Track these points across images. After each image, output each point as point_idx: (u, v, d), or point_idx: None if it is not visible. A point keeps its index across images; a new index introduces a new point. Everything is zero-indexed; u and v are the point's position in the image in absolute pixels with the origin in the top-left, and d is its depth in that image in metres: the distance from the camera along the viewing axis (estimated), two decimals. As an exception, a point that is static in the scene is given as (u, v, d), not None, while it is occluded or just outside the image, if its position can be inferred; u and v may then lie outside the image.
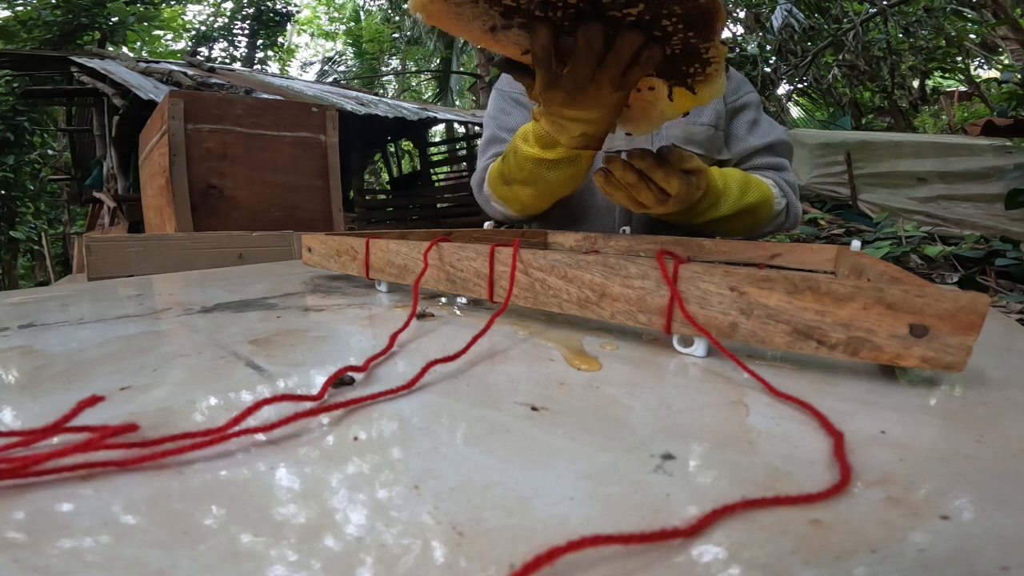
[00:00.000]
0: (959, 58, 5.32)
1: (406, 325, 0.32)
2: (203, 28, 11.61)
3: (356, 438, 0.19)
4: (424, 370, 0.25)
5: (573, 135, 0.54)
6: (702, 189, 0.60)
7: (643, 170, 0.54)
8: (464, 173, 6.06)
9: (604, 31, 0.40)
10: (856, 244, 0.51)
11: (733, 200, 0.69)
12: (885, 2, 4.47)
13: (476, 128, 5.80)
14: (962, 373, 0.22)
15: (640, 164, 0.54)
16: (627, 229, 0.76)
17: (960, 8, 4.47)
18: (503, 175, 0.74)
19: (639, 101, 0.49)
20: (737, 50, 4.47)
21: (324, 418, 0.20)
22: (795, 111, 6.36)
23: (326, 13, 16.32)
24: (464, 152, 6.33)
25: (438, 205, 5.46)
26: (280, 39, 12.25)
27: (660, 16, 0.37)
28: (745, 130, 0.83)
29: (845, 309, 0.23)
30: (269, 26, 11.60)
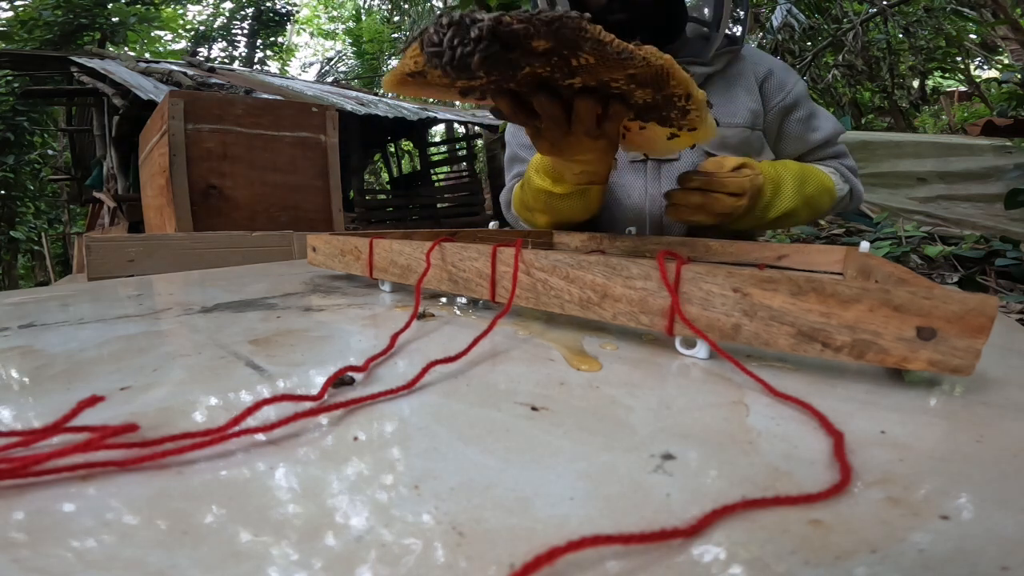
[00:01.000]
0: (959, 58, 5.32)
1: (407, 325, 0.32)
2: (203, 28, 11.61)
3: (356, 438, 0.19)
4: (424, 370, 0.25)
5: (574, 172, 0.56)
6: (760, 173, 0.59)
7: (702, 186, 0.55)
8: (464, 173, 6.06)
9: (560, 96, 0.41)
10: (865, 245, 0.51)
11: (792, 191, 0.65)
12: (885, 2, 4.47)
13: (476, 128, 5.80)
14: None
15: (698, 182, 0.55)
16: (632, 230, 0.75)
17: (960, 8, 4.47)
18: (523, 202, 0.75)
19: (638, 136, 0.50)
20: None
21: (324, 418, 0.20)
22: (795, 111, 6.34)
23: (326, 12, 16.33)
24: (464, 152, 6.33)
25: (438, 205, 5.46)
26: (280, 39, 12.26)
27: (605, 81, 0.37)
28: (802, 128, 0.77)
29: (850, 311, 0.23)
30: (269, 26, 11.61)
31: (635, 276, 0.28)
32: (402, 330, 0.31)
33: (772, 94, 0.76)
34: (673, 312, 0.27)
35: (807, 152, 0.78)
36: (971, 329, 0.21)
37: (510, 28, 0.29)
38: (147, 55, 8.25)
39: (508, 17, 0.29)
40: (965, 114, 6.02)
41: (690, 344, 0.28)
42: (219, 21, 11.73)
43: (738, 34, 0.75)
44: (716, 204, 0.57)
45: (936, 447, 0.18)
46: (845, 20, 4.69)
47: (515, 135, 0.87)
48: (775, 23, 4.44)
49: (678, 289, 0.27)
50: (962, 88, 6.61)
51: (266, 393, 0.23)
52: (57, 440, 0.18)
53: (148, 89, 3.68)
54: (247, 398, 0.23)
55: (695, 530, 0.13)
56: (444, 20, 0.31)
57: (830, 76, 5.00)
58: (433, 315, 0.38)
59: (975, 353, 0.21)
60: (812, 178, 0.68)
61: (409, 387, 0.23)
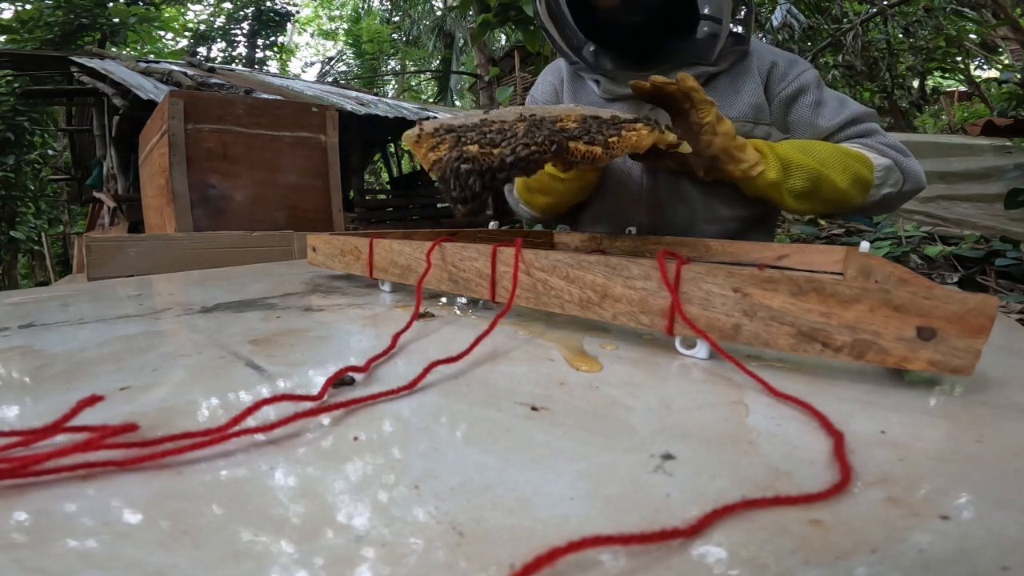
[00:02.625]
0: (959, 58, 5.32)
1: (408, 325, 0.32)
2: (203, 28, 11.62)
3: (356, 438, 0.19)
4: (426, 370, 0.25)
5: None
6: (713, 120, 0.56)
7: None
8: (464, 173, 6.04)
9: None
10: (865, 245, 0.51)
11: (795, 151, 0.61)
12: (885, 2, 4.47)
13: (476, 128, 5.78)
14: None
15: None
16: (633, 230, 0.75)
17: (960, 8, 4.47)
18: (525, 183, 0.76)
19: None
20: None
21: (324, 418, 0.20)
22: (795, 111, 6.34)
23: (326, 12, 16.36)
24: (464, 152, 6.31)
25: (438, 205, 5.45)
26: (280, 38, 12.27)
27: None
28: (809, 114, 0.72)
29: (851, 311, 0.23)
30: (269, 26, 11.62)
31: (635, 276, 0.28)
32: (404, 330, 0.31)
33: (774, 84, 0.74)
34: (673, 312, 0.27)
35: (822, 140, 0.72)
36: (971, 329, 0.21)
37: (494, 179, 0.40)
38: (150, 56, 8.25)
39: (496, 172, 0.40)
40: (965, 114, 6.02)
41: (690, 344, 0.28)
42: (219, 21, 11.74)
43: (743, 33, 0.74)
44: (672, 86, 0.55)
45: (936, 447, 0.18)
46: (845, 20, 4.70)
47: None
48: (775, 23, 4.45)
49: (678, 289, 0.27)
50: (962, 88, 6.61)
51: (266, 393, 0.23)
52: (57, 440, 0.18)
53: (148, 89, 3.68)
54: (247, 398, 0.23)
55: (695, 530, 0.13)
56: (450, 178, 0.41)
57: (830, 76, 5.00)
58: (433, 315, 0.38)
59: (975, 353, 0.21)
60: (818, 147, 0.64)
61: (410, 387, 0.23)
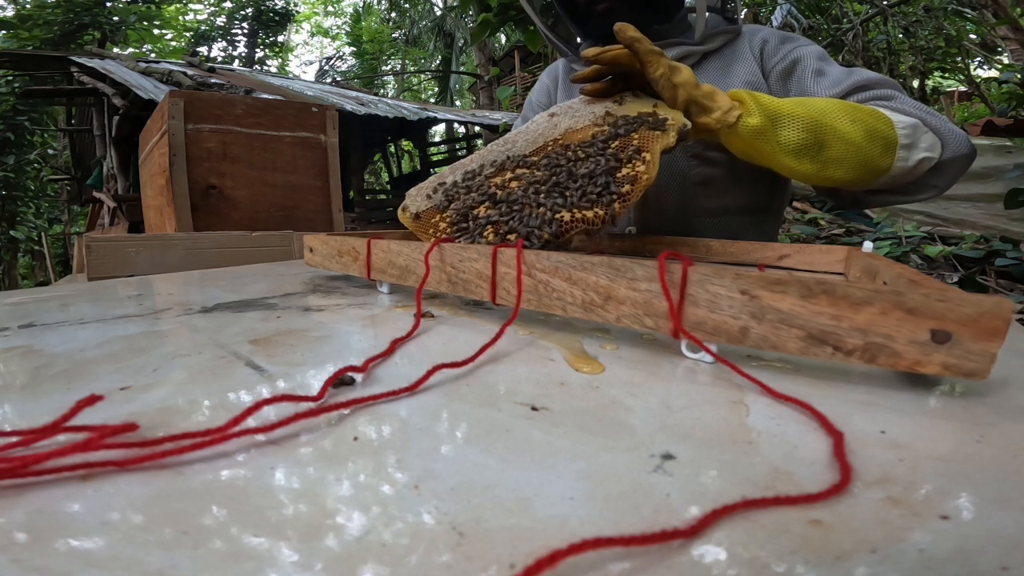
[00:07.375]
0: (959, 58, 5.32)
1: (409, 335, 0.31)
2: (203, 28, 11.64)
3: (356, 438, 0.19)
4: (429, 373, 0.25)
5: None
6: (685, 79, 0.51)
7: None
8: (464, 173, 6.04)
9: None
10: (868, 245, 0.50)
11: (790, 104, 0.52)
12: (885, 2, 4.47)
13: (476, 128, 5.80)
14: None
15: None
16: (632, 230, 0.75)
17: (960, 8, 4.47)
18: None
19: None
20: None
21: (324, 419, 0.20)
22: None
23: (324, 11, 16.38)
24: (464, 152, 6.33)
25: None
26: (280, 38, 12.30)
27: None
28: (809, 84, 0.66)
29: (862, 314, 0.22)
30: (269, 26, 11.64)
31: (639, 278, 0.28)
32: (403, 338, 0.31)
33: (767, 61, 0.71)
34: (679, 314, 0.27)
35: None
36: (986, 332, 0.20)
37: (551, 243, 0.42)
38: (152, 55, 8.26)
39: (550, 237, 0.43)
40: (965, 114, 6.01)
41: (695, 347, 0.28)
42: (219, 21, 11.76)
43: (732, 14, 0.73)
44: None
45: (936, 447, 0.18)
46: (845, 20, 4.70)
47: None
48: (775, 23, 4.45)
49: (684, 290, 0.26)
50: (962, 88, 6.61)
51: (266, 393, 0.23)
52: (57, 440, 0.18)
53: (148, 89, 3.68)
54: (247, 398, 0.23)
55: (695, 530, 0.13)
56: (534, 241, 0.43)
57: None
58: (433, 315, 0.38)
59: (990, 357, 0.21)
60: (818, 100, 0.54)
61: (411, 389, 0.23)
